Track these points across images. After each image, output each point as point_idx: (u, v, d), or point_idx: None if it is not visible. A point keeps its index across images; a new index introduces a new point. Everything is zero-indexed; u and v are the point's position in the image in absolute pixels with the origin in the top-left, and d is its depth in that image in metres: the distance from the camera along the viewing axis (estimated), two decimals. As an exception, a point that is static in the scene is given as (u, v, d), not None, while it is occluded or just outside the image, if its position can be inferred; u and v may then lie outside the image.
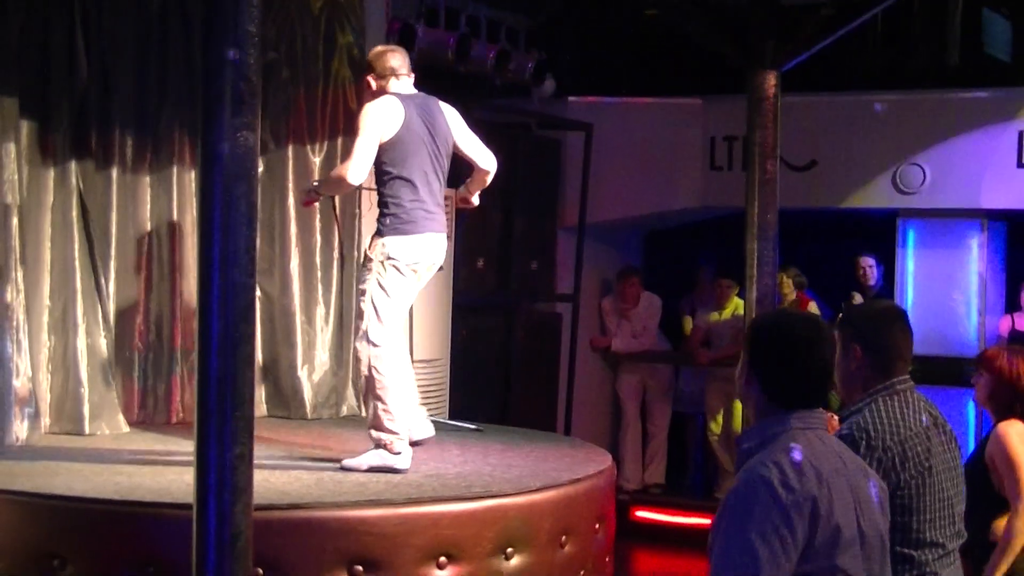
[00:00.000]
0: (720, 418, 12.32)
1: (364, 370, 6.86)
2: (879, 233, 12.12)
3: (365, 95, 7.23)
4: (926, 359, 9.84)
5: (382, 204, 6.94)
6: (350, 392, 9.23)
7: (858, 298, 11.95)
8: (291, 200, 9.04)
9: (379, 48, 7.37)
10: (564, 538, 6.47)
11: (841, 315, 4.77)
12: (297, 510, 5.80)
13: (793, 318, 3.98)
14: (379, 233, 6.90)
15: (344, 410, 9.17)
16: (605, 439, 12.31)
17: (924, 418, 4.53)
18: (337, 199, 7.97)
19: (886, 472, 4.36)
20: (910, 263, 11.91)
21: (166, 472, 6.60)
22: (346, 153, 8.36)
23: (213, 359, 4.37)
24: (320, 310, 9.12)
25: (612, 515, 7.22)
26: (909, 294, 11.86)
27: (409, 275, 6.90)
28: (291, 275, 9.04)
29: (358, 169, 6.81)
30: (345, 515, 5.86)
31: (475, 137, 7.32)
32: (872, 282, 12.11)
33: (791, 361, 3.74)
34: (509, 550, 6.16)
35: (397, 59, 7.12)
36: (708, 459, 12.93)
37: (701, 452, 13.20)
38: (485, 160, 7.29)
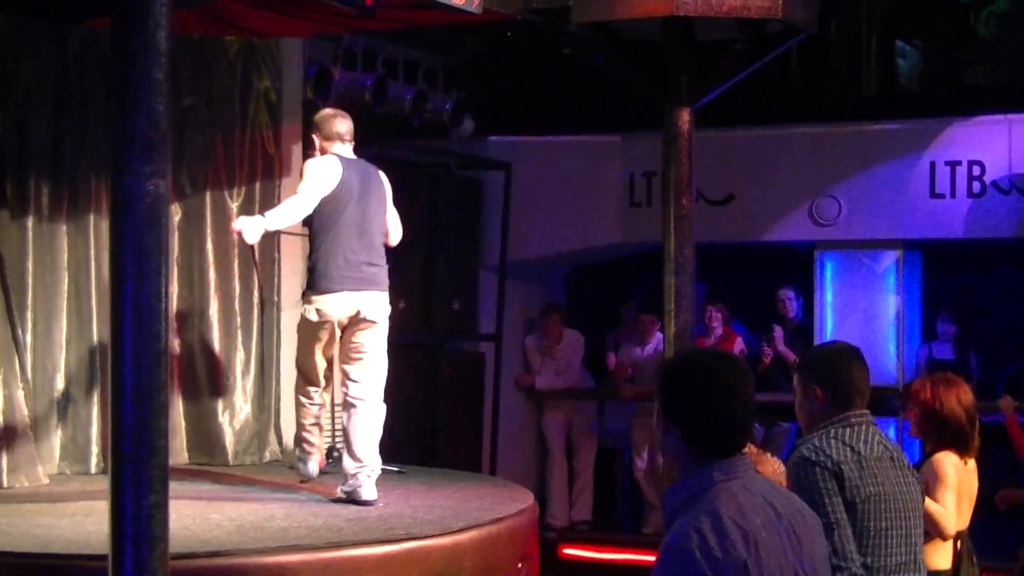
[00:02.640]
0: (646, 454, 12.34)
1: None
2: (798, 265, 12.22)
3: (310, 151, 7.60)
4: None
5: (308, 258, 7.41)
6: (272, 437, 9.20)
7: (779, 331, 12.04)
8: (209, 245, 9.01)
9: (328, 112, 7.72)
10: (487, 578, 6.48)
11: (799, 359, 4.86)
12: (218, 557, 5.77)
13: (707, 357, 3.66)
14: (304, 288, 7.42)
15: (267, 455, 9.13)
16: (531, 477, 12.30)
17: (879, 449, 4.61)
18: (257, 246, 8.00)
19: (840, 481, 4.45)
20: (829, 294, 12.00)
21: (85, 523, 6.54)
22: (267, 198, 8.46)
23: (127, 408, 4.36)
24: (240, 356, 9.08)
25: (535, 553, 7.23)
26: (828, 325, 11.95)
27: (327, 328, 7.27)
28: (211, 321, 9.01)
29: (303, 205, 7.20)
30: (266, 561, 5.84)
31: (394, 211, 7.66)
32: (792, 314, 12.21)
33: (709, 405, 3.46)
34: (432, 591, 6.17)
35: (344, 125, 7.53)
36: (635, 494, 12.93)
37: (628, 487, 13.21)
38: (395, 235, 7.67)
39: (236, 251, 8.97)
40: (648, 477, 12.31)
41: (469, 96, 11.73)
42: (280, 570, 5.79)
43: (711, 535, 3.29)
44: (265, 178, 9.17)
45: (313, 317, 7.23)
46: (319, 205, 7.21)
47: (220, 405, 8.96)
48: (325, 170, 7.26)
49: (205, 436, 8.96)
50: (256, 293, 9.07)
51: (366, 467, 7.20)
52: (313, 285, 7.25)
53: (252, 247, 7.96)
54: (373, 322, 7.27)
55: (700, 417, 3.45)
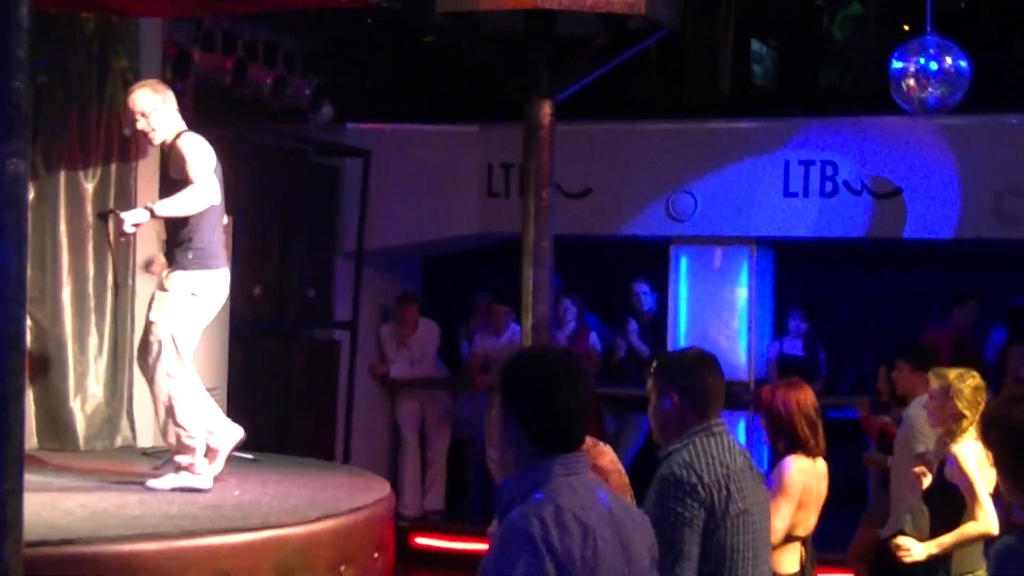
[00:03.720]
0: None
1: (163, 400, 7.09)
2: (653, 259, 12.35)
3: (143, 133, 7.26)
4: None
5: (185, 239, 7.08)
6: (124, 423, 9.04)
7: (632, 324, 12.16)
8: (63, 226, 8.83)
9: (150, 82, 7.53)
10: (343, 567, 6.43)
11: (655, 363, 4.87)
12: (69, 545, 5.67)
13: (547, 354, 3.84)
14: (181, 267, 7.08)
15: (119, 441, 8.97)
16: (384, 466, 12.30)
17: (740, 459, 4.67)
18: (111, 226, 7.90)
19: (710, 508, 4.49)
20: (683, 289, 12.14)
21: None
22: (123, 180, 8.31)
23: (-19, 393, 4.25)
24: (93, 340, 8.91)
25: (391, 543, 7.22)
26: (682, 319, 12.09)
27: (208, 307, 7.18)
28: (63, 304, 8.82)
29: (211, 189, 7.01)
30: (119, 549, 5.75)
31: None
32: (646, 308, 12.34)
33: (549, 400, 3.54)
34: (288, 580, 6.12)
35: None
36: (487, 484, 12.97)
37: (480, 477, 13.24)
38: None
39: (90, 232, 8.81)
40: (501, 467, 12.35)
41: (328, 82, 11.65)
42: (134, 558, 5.70)
43: (553, 526, 3.40)
44: (121, 159, 9.00)
45: (207, 293, 7.11)
46: None
47: (71, 389, 8.78)
48: (209, 149, 7.08)
49: (55, 421, 8.77)
50: (110, 276, 8.89)
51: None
52: (201, 263, 7.08)
53: (106, 227, 7.91)
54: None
55: (542, 412, 3.53)
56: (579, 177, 11.97)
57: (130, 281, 9.05)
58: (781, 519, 6.12)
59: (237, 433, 7.41)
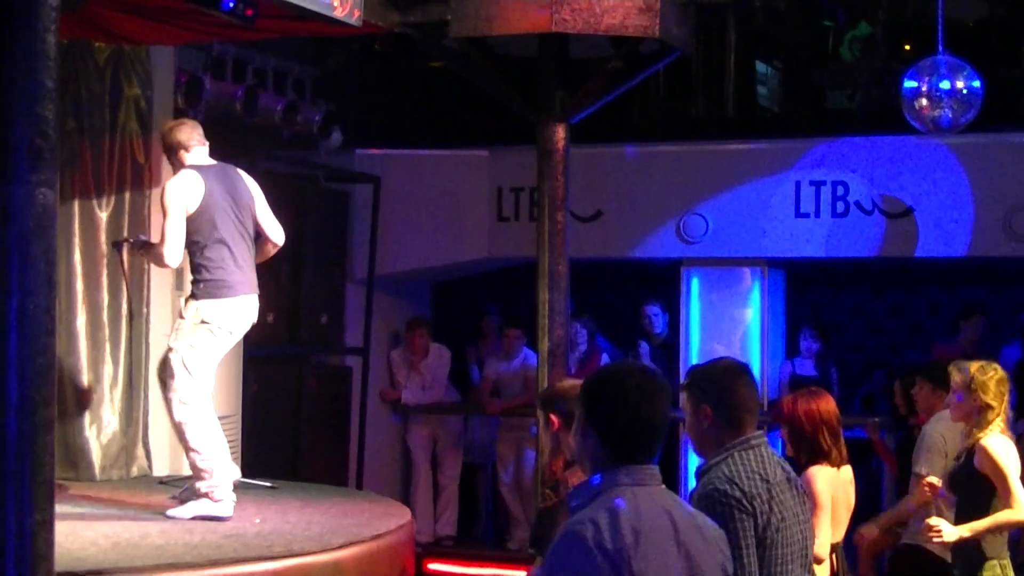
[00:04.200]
0: (511, 467, 12.36)
1: (175, 424, 7.21)
2: (664, 281, 12.33)
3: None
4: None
5: (195, 270, 7.27)
6: (140, 451, 9.02)
7: (644, 347, 12.14)
8: (77, 255, 8.83)
9: (168, 123, 7.68)
10: (367, 594, 6.43)
11: (687, 378, 4.84)
12: (95, 576, 5.66)
13: (629, 370, 3.95)
14: (193, 296, 7.24)
15: (135, 470, 8.95)
16: (396, 491, 12.25)
17: (779, 471, 4.63)
18: (125, 254, 8.00)
19: (755, 519, 4.46)
20: (694, 310, 12.11)
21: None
22: (136, 208, 8.32)
23: (11, 422, 4.23)
24: (108, 368, 8.89)
25: (412, 569, 7.21)
26: (694, 341, 12.07)
27: (221, 336, 7.26)
28: (77, 332, 8.81)
29: (173, 250, 7.15)
30: (145, 580, 5.73)
31: (270, 210, 7.64)
32: (657, 330, 12.32)
33: (625, 414, 3.73)
34: (314, 608, 6.11)
35: (184, 132, 7.40)
36: (499, 509, 12.95)
37: (492, 502, 13.22)
38: (276, 234, 7.67)
39: (104, 261, 8.82)
40: (513, 492, 12.34)
41: (338, 108, 11.66)
42: (159, 588, 5.70)
43: (606, 528, 3.57)
44: (135, 187, 9.00)
45: (218, 322, 7.20)
46: (194, 219, 7.16)
47: (87, 419, 8.76)
48: (183, 192, 7.17)
49: (71, 450, 8.75)
50: (125, 304, 8.90)
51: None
52: (210, 292, 7.19)
53: (120, 255, 7.97)
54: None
55: (617, 424, 3.75)
56: (589, 200, 11.96)
57: (145, 309, 9.05)
58: (825, 533, 6.11)
59: (234, 473, 7.50)
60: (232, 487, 7.24)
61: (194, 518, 7.00)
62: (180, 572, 5.81)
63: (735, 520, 4.42)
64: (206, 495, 7.09)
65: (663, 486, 3.81)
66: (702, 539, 3.79)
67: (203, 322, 7.17)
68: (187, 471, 7.64)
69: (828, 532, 6.22)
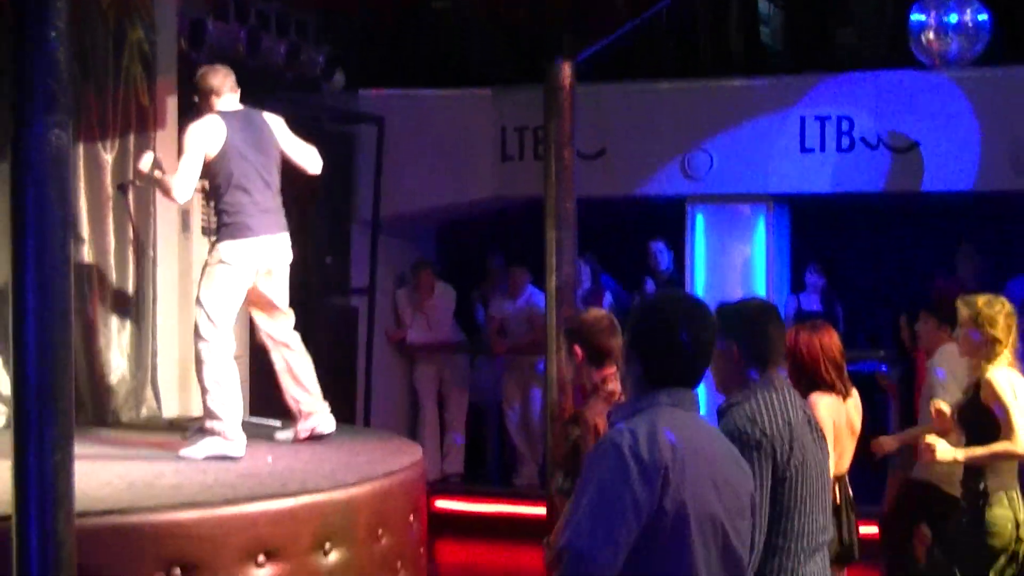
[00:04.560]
0: (518, 406, 12.41)
1: (193, 358, 7.36)
2: (669, 219, 12.32)
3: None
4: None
5: (217, 214, 7.45)
6: (149, 393, 9.05)
7: (650, 284, 12.15)
8: (83, 199, 8.81)
9: (203, 68, 7.72)
10: (380, 531, 6.45)
11: (715, 313, 4.86)
12: (111, 516, 5.66)
13: (675, 297, 4.10)
14: (217, 236, 7.42)
15: (144, 412, 8.98)
16: (403, 430, 12.28)
17: (801, 414, 4.66)
18: (131, 199, 8.04)
19: (774, 460, 4.49)
20: (699, 247, 12.13)
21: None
22: (141, 151, 8.32)
23: (31, 365, 4.25)
24: (116, 311, 8.91)
25: (424, 507, 7.25)
26: (699, 277, 12.08)
27: (243, 277, 7.34)
28: (84, 275, 8.81)
29: (183, 186, 7.30)
30: (160, 519, 5.74)
31: (299, 142, 7.75)
32: (663, 267, 12.33)
33: (666, 337, 3.80)
34: (327, 545, 6.12)
35: (218, 78, 7.54)
36: (505, 447, 13.01)
37: (498, 441, 13.27)
38: (309, 163, 7.80)
39: (111, 204, 8.81)
40: (519, 430, 12.39)
41: (340, 50, 11.61)
42: (176, 528, 5.70)
43: (643, 439, 3.63)
44: (140, 131, 8.99)
45: (238, 262, 7.28)
46: (214, 164, 7.27)
47: (96, 361, 8.78)
48: (204, 135, 7.29)
49: (80, 393, 8.72)
50: (131, 247, 8.91)
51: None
52: (231, 234, 7.29)
53: (126, 199, 8.01)
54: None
55: (661, 349, 3.81)
56: (593, 138, 11.91)
57: (151, 252, 9.05)
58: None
59: (329, 425, 7.77)
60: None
61: (207, 458, 7.04)
62: (195, 511, 5.81)
63: (753, 460, 4.43)
64: (218, 433, 7.15)
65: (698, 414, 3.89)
66: (737, 467, 3.89)
67: (222, 262, 7.27)
68: (197, 412, 7.68)
69: (831, 459, 6.23)
